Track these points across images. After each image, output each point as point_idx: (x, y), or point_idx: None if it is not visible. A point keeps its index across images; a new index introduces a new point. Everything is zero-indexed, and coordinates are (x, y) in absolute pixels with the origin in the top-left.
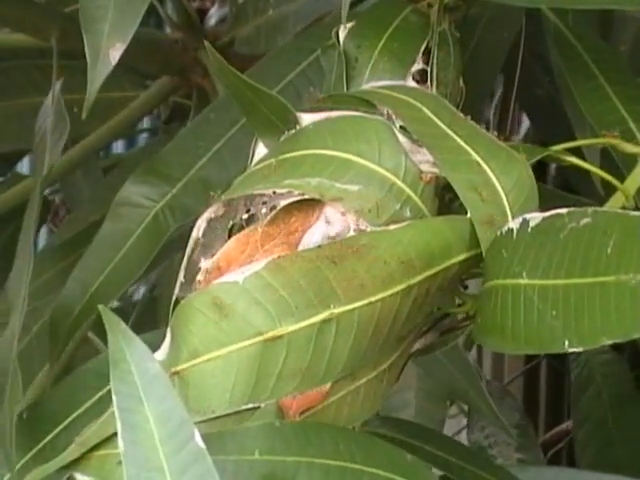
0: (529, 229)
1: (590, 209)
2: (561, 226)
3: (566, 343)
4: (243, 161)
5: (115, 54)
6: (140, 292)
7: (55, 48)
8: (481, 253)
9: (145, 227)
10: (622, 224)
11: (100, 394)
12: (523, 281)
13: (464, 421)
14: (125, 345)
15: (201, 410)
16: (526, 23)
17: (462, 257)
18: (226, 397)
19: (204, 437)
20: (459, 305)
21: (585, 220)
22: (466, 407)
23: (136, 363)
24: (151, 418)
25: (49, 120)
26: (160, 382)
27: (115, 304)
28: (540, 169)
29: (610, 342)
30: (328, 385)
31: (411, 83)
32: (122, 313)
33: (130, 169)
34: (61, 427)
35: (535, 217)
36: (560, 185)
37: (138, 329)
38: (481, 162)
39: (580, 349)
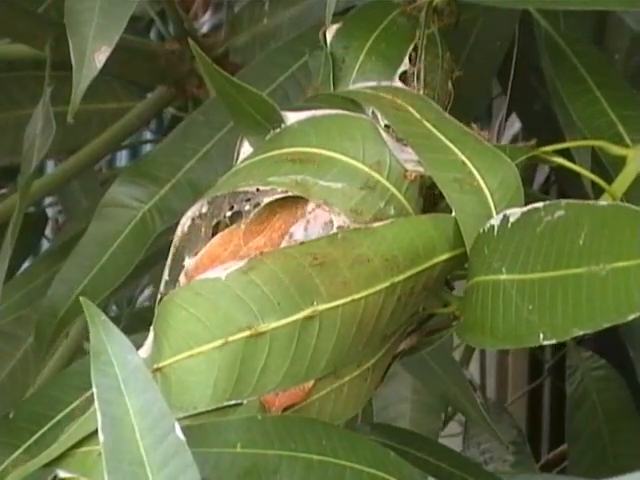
0: (509, 225)
1: (564, 201)
2: (538, 220)
3: (541, 336)
4: (231, 163)
5: (101, 57)
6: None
7: (49, 56)
8: (466, 252)
9: (132, 228)
10: (593, 215)
11: (86, 394)
12: (502, 277)
13: None
14: (106, 337)
15: (183, 406)
16: (520, 32)
17: (446, 256)
18: (208, 393)
19: (186, 430)
20: (444, 306)
21: (559, 213)
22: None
23: (117, 355)
24: (131, 410)
25: (38, 126)
26: (141, 374)
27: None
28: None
29: (580, 333)
30: (311, 382)
31: (398, 84)
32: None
33: None
34: (46, 427)
35: (515, 213)
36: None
37: (131, 333)
38: (467, 162)
39: (553, 341)
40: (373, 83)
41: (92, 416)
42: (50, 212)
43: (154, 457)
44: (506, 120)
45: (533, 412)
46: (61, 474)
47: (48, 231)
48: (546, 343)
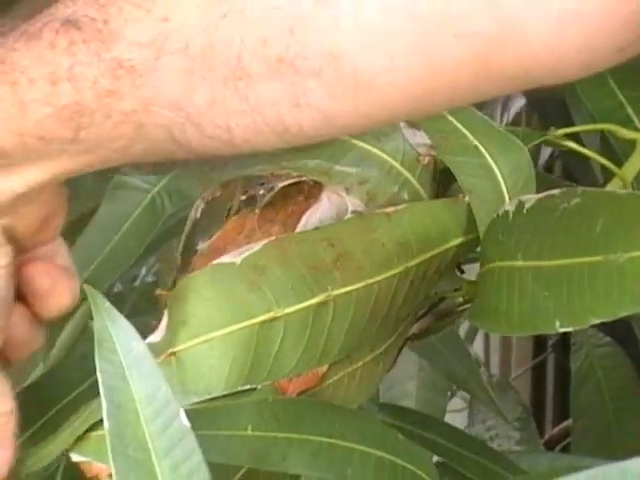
0: (524, 211)
1: (580, 189)
2: (553, 207)
3: (557, 324)
4: None
5: None
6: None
7: None
8: (478, 237)
9: (142, 210)
10: (610, 203)
11: (93, 378)
12: (518, 263)
13: None
14: (110, 324)
15: (198, 391)
16: None
17: (459, 240)
18: (223, 378)
19: (196, 412)
20: (456, 290)
21: (575, 200)
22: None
23: (121, 342)
24: (136, 397)
25: None
26: (145, 361)
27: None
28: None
29: (598, 321)
30: (325, 367)
31: None
32: (122, 298)
33: None
34: (53, 411)
35: (530, 199)
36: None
37: (137, 313)
38: (479, 146)
39: (570, 329)
40: None
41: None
42: None
43: (159, 443)
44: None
45: (537, 388)
46: (74, 457)
47: None
48: (562, 330)
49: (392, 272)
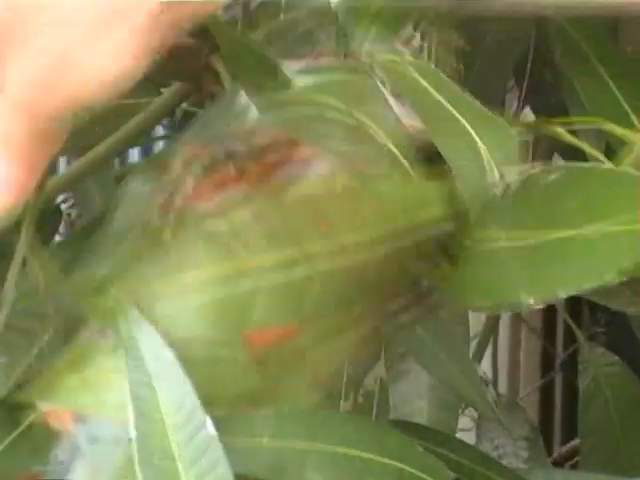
0: (506, 187)
1: (562, 164)
2: (534, 183)
3: (523, 296)
4: None
5: None
6: None
7: None
8: (461, 212)
9: None
10: (589, 178)
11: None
12: (497, 237)
13: None
14: (137, 332)
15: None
16: (536, 27)
17: (441, 213)
18: (193, 326)
19: (214, 420)
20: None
21: (553, 176)
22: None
23: (149, 351)
24: (162, 406)
25: None
26: (172, 370)
27: None
28: None
29: (563, 295)
30: (295, 323)
31: (406, 53)
32: None
33: None
34: None
35: (512, 175)
36: None
37: None
38: (471, 131)
39: (539, 303)
40: (381, 52)
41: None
42: (63, 207)
43: (185, 452)
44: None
45: (545, 407)
46: (40, 406)
47: (61, 227)
48: (529, 303)
49: (369, 237)
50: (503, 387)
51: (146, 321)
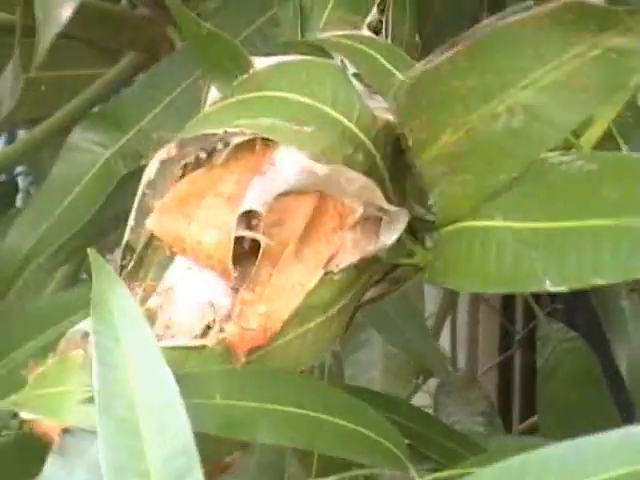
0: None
1: (587, 151)
2: (548, 168)
3: (547, 282)
4: (197, 111)
5: (66, 13)
6: None
7: (18, 20)
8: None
9: (96, 172)
10: (622, 166)
11: (41, 336)
12: (496, 223)
13: None
14: (108, 287)
15: None
16: None
17: None
18: None
19: None
20: (409, 255)
21: (581, 162)
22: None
23: (117, 304)
24: (127, 359)
25: (7, 86)
26: (139, 324)
27: None
28: None
29: (601, 282)
30: (277, 326)
31: (366, 33)
32: None
33: None
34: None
35: None
36: None
37: None
38: None
39: (563, 288)
40: (341, 32)
41: (68, 360)
42: (22, 183)
43: (147, 405)
44: None
45: (504, 384)
46: (24, 415)
47: (19, 202)
48: (553, 290)
49: None
50: (462, 364)
51: (116, 275)
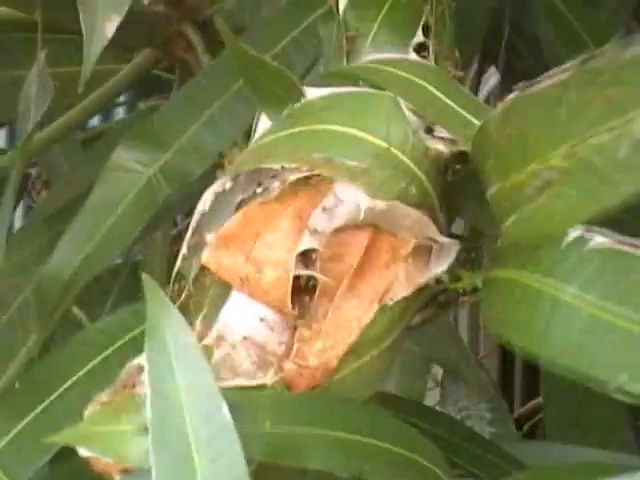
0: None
1: None
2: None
3: (624, 377)
4: (237, 127)
5: (111, 27)
6: None
7: (40, 20)
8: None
9: (138, 192)
10: None
11: (91, 364)
12: (568, 298)
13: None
14: (162, 314)
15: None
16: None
17: None
18: None
19: None
20: (455, 280)
21: None
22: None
23: (171, 332)
24: (181, 388)
25: (33, 89)
26: (192, 353)
27: None
28: None
29: None
30: (334, 363)
31: (413, 56)
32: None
33: (110, 143)
34: (53, 397)
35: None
36: None
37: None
38: None
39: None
40: (388, 55)
41: (120, 398)
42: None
43: (200, 434)
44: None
45: (506, 366)
46: (82, 452)
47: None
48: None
49: None
50: None
51: (170, 303)
